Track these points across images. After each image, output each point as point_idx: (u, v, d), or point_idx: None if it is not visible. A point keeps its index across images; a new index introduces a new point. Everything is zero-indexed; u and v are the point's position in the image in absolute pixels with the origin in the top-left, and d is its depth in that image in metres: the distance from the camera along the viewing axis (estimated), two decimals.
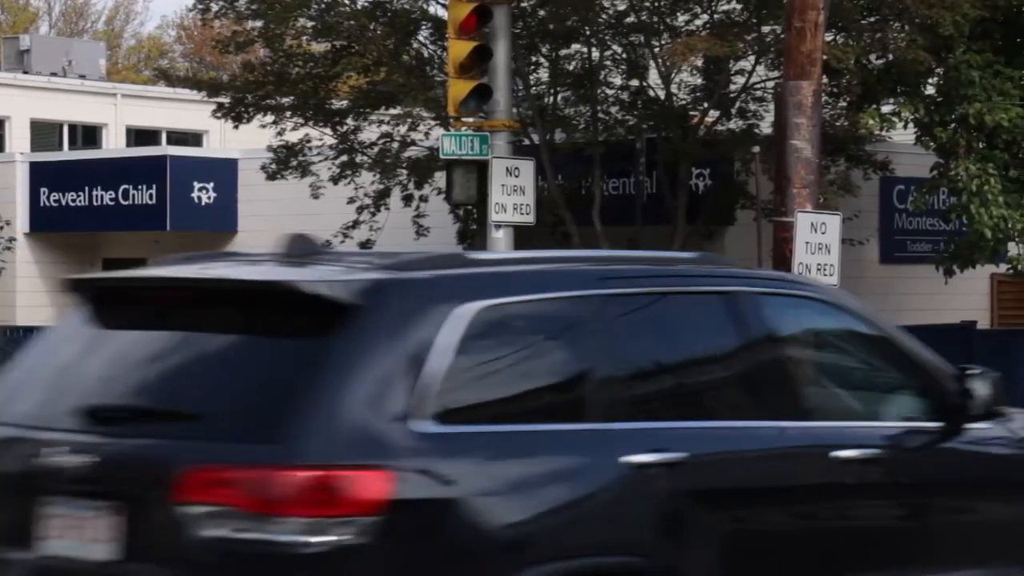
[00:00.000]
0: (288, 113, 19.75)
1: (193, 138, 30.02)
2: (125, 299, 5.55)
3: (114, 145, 29.19)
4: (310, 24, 19.31)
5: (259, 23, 19.32)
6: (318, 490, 4.76)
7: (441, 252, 5.71)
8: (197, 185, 23.59)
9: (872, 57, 17.35)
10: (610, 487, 5.29)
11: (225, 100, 20.10)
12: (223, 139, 28.24)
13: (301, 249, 5.52)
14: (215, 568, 4.83)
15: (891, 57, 17.04)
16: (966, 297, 21.96)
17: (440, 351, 5.05)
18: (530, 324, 5.40)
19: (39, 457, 5.17)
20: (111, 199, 23.69)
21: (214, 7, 19.56)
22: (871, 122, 16.63)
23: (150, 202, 23.41)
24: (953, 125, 16.72)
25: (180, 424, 5.06)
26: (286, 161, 20.04)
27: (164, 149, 25.64)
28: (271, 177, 20.27)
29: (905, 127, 17.38)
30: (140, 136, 30.00)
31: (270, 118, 19.87)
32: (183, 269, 5.60)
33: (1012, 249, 17.13)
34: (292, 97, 19.56)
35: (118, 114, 29.70)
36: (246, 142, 24.22)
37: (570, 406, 5.42)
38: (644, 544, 5.35)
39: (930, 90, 17.51)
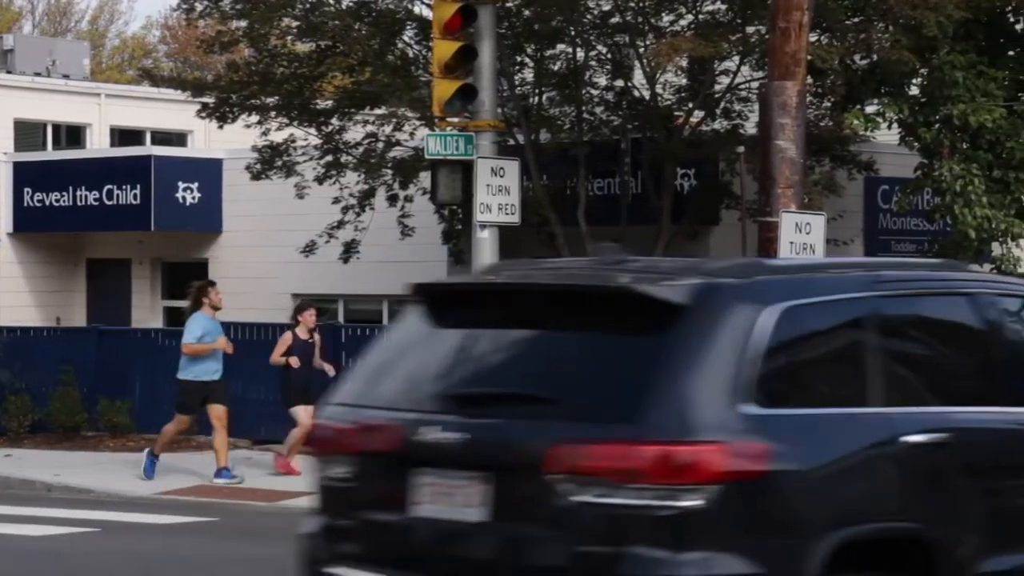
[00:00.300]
0: (273, 113, 19.70)
1: (178, 138, 29.92)
2: (475, 301, 6.57)
3: (98, 145, 29.07)
4: (295, 24, 19.27)
5: (243, 23, 19.28)
6: (669, 462, 5.67)
7: (743, 261, 7.15)
8: (182, 185, 23.53)
9: (856, 57, 17.36)
10: (893, 462, 6.27)
11: (210, 100, 20.05)
12: (208, 139, 28.15)
13: (613, 257, 6.56)
14: (580, 527, 5.74)
15: (875, 58, 17.06)
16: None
17: (756, 344, 6.00)
18: (823, 322, 6.40)
19: (413, 435, 6.11)
20: (95, 199, 23.62)
21: (198, 7, 19.51)
22: (855, 122, 16.64)
23: (134, 202, 23.34)
24: (937, 126, 16.75)
25: (540, 407, 5.95)
26: (271, 161, 20.00)
27: (148, 149, 25.55)
28: (256, 177, 20.22)
29: (889, 127, 17.39)
30: (124, 136, 29.90)
31: (255, 118, 19.82)
32: (525, 275, 6.68)
33: (996, 249, 17.16)
34: (277, 97, 19.52)
35: (102, 114, 29.59)
36: (231, 142, 24.16)
37: (858, 393, 6.34)
38: (919, 511, 6.30)
39: (914, 91, 17.53)
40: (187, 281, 24.73)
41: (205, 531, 13.57)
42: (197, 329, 16.32)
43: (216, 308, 16.48)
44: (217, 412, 16.35)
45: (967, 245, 16.66)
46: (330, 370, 16.49)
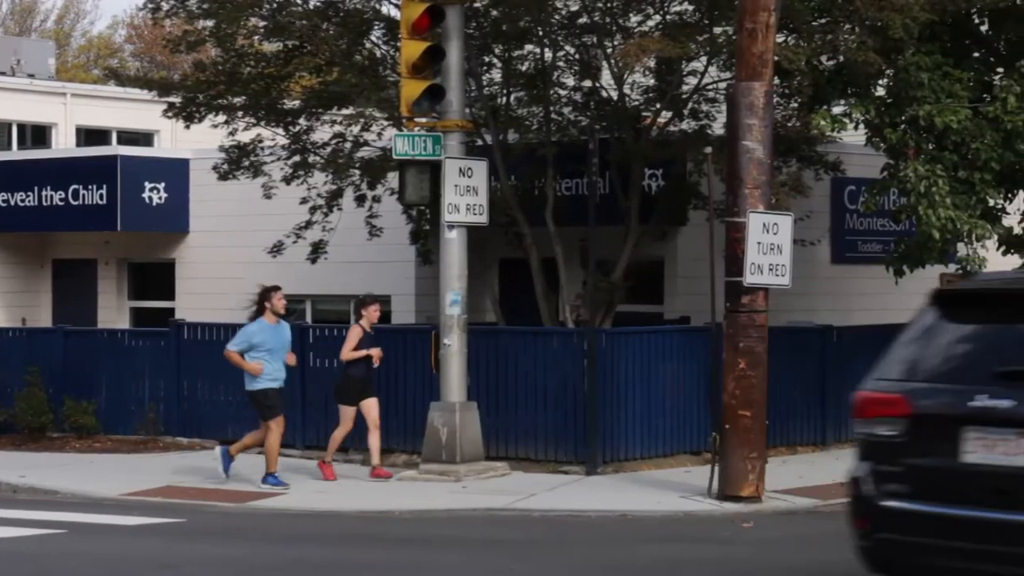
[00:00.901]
0: (240, 113, 19.64)
1: (144, 138, 29.81)
2: (994, 302, 8.42)
3: (64, 145, 28.93)
4: (262, 24, 19.21)
5: (210, 22, 19.20)
6: None
7: None
8: (148, 185, 23.43)
9: (823, 58, 17.42)
10: None
11: (176, 100, 19.97)
12: (174, 139, 28.05)
13: None
14: None
15: (842, 59, 17.12)
16: (916, 297, 21.99)
17: None
18: None
19: (965, 401, 8.02)
20: (61, 199, 23.49)
21: (164, 6, 19.42)
22: (822, 123, 16.70)
23: (100, 202, 23.22)
24: (903, 126, 16.83)
25: None
26: (238, 161, 19.93)
27: (114, 149, 25.42)
28: (223, 177, 20.16)
29: (856, 128, 17.47)
30: (90, 136, 29.75)
31: (222, 118, 19.75)
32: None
33: (961, 249, 17.26)
34: (244, 97, 19.45)
35: (68, 113, 29.45)
36: (198, 142, 24.08)
37: None
38: None
39: (880, 92, 17.61)
40: (153, 281, 24.80)
41: (172, 532, 13.53)
42: (244, 339, 15.93)
43: (277, 314, 16.06)
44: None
45: (932, 246, 16.75)
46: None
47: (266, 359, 15.82)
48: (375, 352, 16.22)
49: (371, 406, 16.28)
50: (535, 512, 14.31)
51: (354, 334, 16.37)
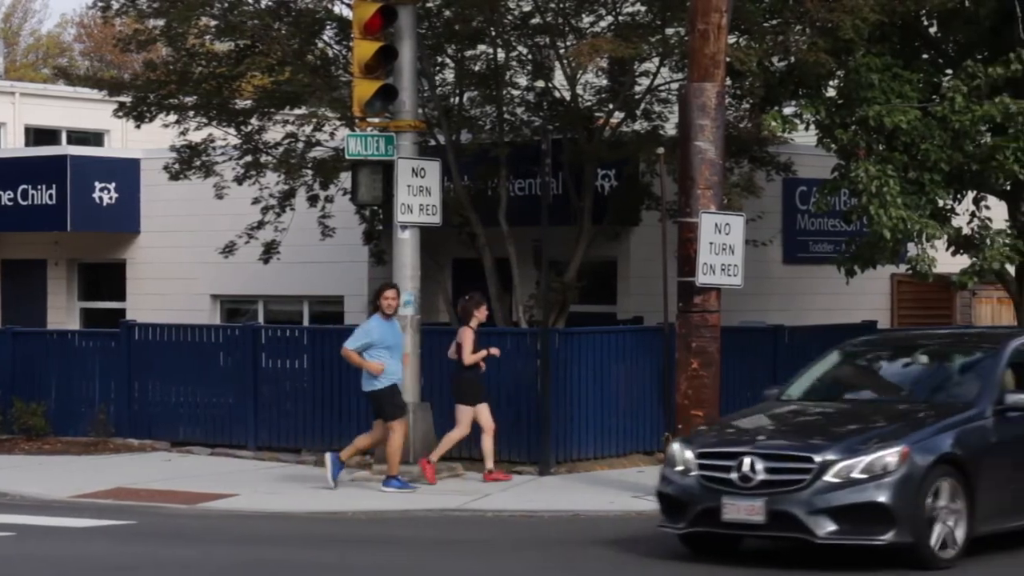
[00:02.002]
0: (191, 112, 19.54)
1: (94, 137, 29.59)
2: None
3: (13, 144, 28.67)
4: (213, 23, 19.11)
5: (161, 21, 19.09)
6: None
7: None
8: (98, 185, 23.28)
9: (774, 59, 17.51)
10: None
11: (127, 99, 19.85)
12: (125, 139, 27.87)
13: None
14: None
15: (793, 60, 17.21)
16: (867, 297, 22.28)
17: None
18: None
19: None
20: (9, 199, 23.29)
21: (115, 5, 19.29)
22: (773, 124, 16.77)
23: (50, 202, 23.05)
24: (853, 127, 16.93)
25: None
26: (189, 161, 19.83)
27: (64, 148, 25.22)
28: (174, 177, 20.05)
29: (807, 129, 17.56)
30: (40, 135, 29.50)
31: (173, 117, 19.65)
32: None
33: (911, 249, 17.37)
34: (195, 96, 19.36)
35: (17, 113, 29.20)
36: (148, 142, 23.93)
37: None
38: None
39: (831, 92, 17.71)
40: (104, 282, 24.62)
41: (124, 534, 13.44)
42: (363, 336, 15.58)
43: (386, 313, 15.62)
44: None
45: (883, 246, 16.86)
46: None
47: (385, 356, 15.40)
48: (494, 351, 16.02)
49: (484, 409, 16.03)
50: (489, 512, 14.31)
51: (469, 336, 16.06)
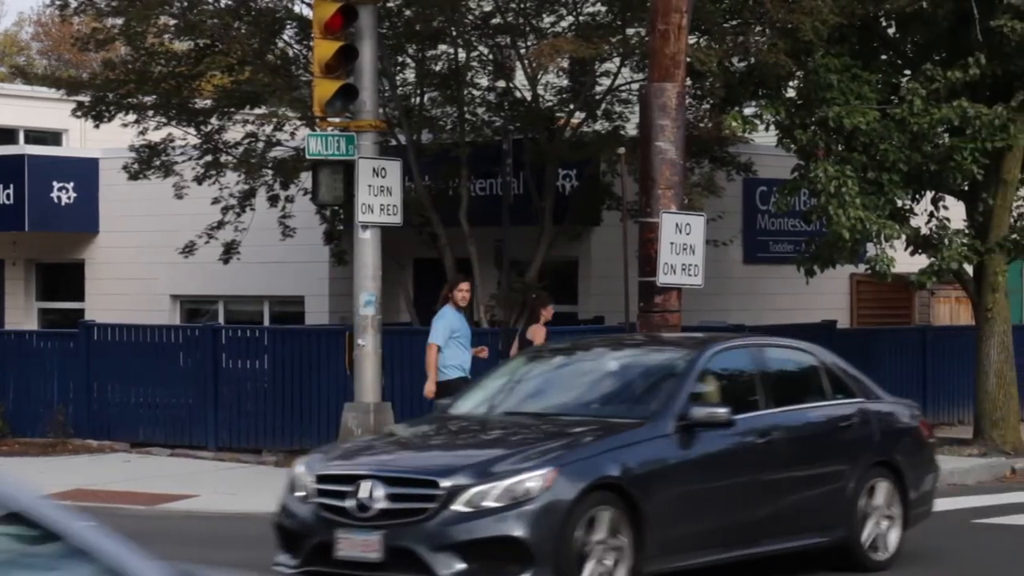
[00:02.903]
0: (150, 112, 19.44)
1: (52, 137, 29.39)
2: None
3: None
4: (172, 22, 19.03)
5: (119, 20, 18.99)
6: None
7: None
8: (56, 185, 23.13)
9: (734, 60, 17.58)
10: None
11: (85, 99, 19.74)
12: (83, 138, 27.68)
13: None
14: None
15: (753, 60, 17.28)
16: (827, 297, 22.39)
17: None
18: None
19: None
20: None
21: (73, 3, 19.18)
22: (734, 124, 16.84)
23: (7, 202, 22.89)
24: (813, 128, 17.01)
25: None
26: (149, 161, 19.73)
27: (22, 148, 25.03)
28: (133, 177, 19.94)
29: (767, 129, 17.64)
30: None
31: (132, 117, 19.55)
32: None
33: (870, 249, 17.48)
34: (154, 96, 19.26)
35: None
36: (107, 141, 23.79)
37: None
38: None
39: (791, 93, 17.79)
40: (62, 282, 24.44)
41: None
42: (444, 327, 15.47)
43: (459, 305, 15.67)
44: None
45: (842, 246, 16.95)
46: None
47: (463, 346, 15.44)
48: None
49: None
50: None
51: (541, 334, 16.09)
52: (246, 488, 15.90)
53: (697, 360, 10.56)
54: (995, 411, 18.21)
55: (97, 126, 19.99)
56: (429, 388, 15.31)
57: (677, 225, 14.49)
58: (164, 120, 19.52)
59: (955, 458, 17.74)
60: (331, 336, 17.65)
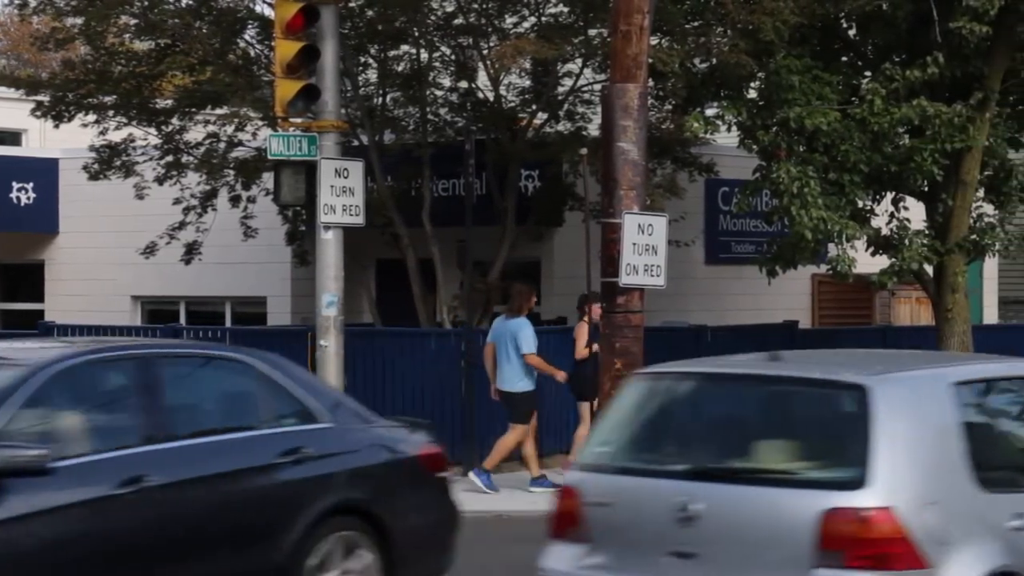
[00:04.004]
0: (111, 112, 19.34)
1: (11, 137, 29.18)
2: None
3: None
4: (133, 21, 18.94)
5: (79, 20, 18.89)
6: None
7: None
8: (16, 185, 22.97)
9: (696, 61, 17.63)
10: None
11: (45, 98, 19.62)
12: (43, 138, 27.51)
13: None
14: None
15: (714, 61, 17.33)
16: (788, 297, 22.49)
17: None
18: None
19: None
20: None
21: (32, 2, 19.07)
22: (695, 125, 16.87)
23: None
24: (774, 128, 17.07)
25: None
26: (109, 161, 19.63)
27: None
28: (93, 177, 19.84)
29: (729, 130, 17.69)
30: None
31: (92, 117, 19.44)
32: None
33: (832, 250, 17.55)
34: (115, 96, 19.16)
35: None
36: (67, 141, 23.64)
37: None
38: None
39: (752, 94, 17.85)
40: (22, 283, 24.29)
41: None
42: (532, 334, 15.70)
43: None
44: (532, 422, 15.94)
45: (804, 246, 17.01)
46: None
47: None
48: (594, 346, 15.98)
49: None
50: None
51: (583, 332, 16.14)
52: None
53: (26, 381, 7.86)
54: None
55: (57, 126, 19.87)
56: (562, 375, 15.82)
57: (639, 226, 14.51)
58: (124, 120, 19.43)
59: None
60: (293, 337, 17.59)
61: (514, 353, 15.73)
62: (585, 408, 16.05)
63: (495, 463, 16.01)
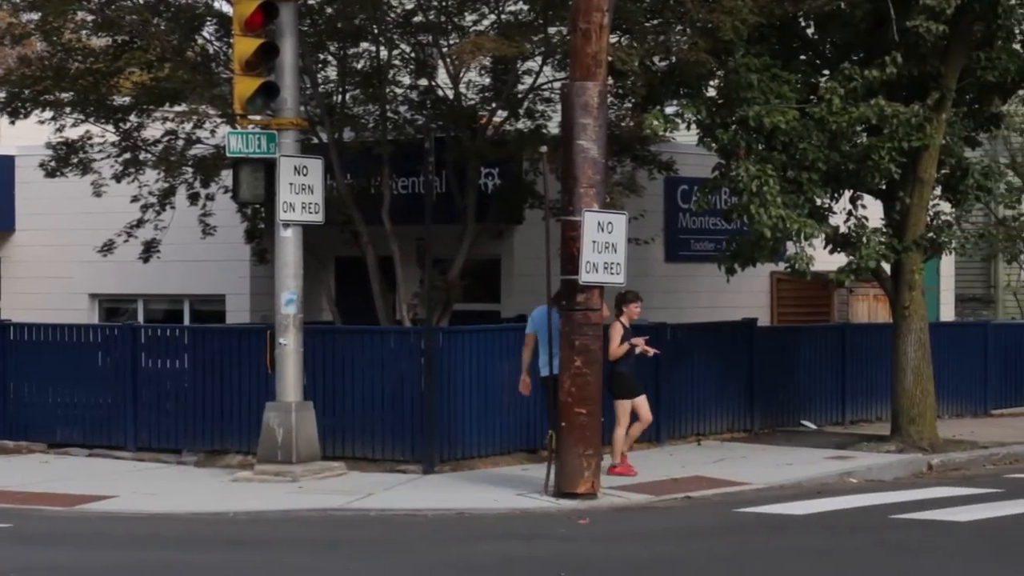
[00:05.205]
0: (68, 109, 19.21)
1: None
2: None
3: None
4: (90, 18, 18.81)
5: (36, 16, 18.75)
6: None
7: None
8: None
9: (656, 59, 17.67)
10: None
11: (0, 95, 19.46)
12: None
13: None
14: None
15: (674, 60, 17.38)
16: (748, 295, 22.58)
17: None
18: None
19: None
20: None
21: None
22: (655, 123, 16.92)
23: None
24: (733, 127, 17.14)
25: None
26: (66, 158, 19.51)
27: None
28: (50, 175, 19.71)
29: (688, 128, 17.75)
30: None
31: (48, 114, 19.31)
32: None
33: (790, 248, 17.63)
34: (72, 93, 19.03)
35: None
36: (23, 138, 23.46)
37: None
38: None
39: (711, 92, 17.92)
40: None
41: None
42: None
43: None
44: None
45: (763, 244, 17.09)
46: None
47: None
48: (638, 341, 16.09)
49: (642, 403, 16.20)
50: (372, 512, 14.26)
51: (616, 331, 16.12)
52: (166, 489, 15.77)
53: None
54: (912, 408, 18.44)
55: (12, 123, 19.71)
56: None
57: (599, 223, 14.55)
58: (82, 117, 19.31)
59: (873, 454, 17.97)
60: (252, 335, 17.53)
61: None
62: (622, 407, 16.12)
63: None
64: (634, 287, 16.41)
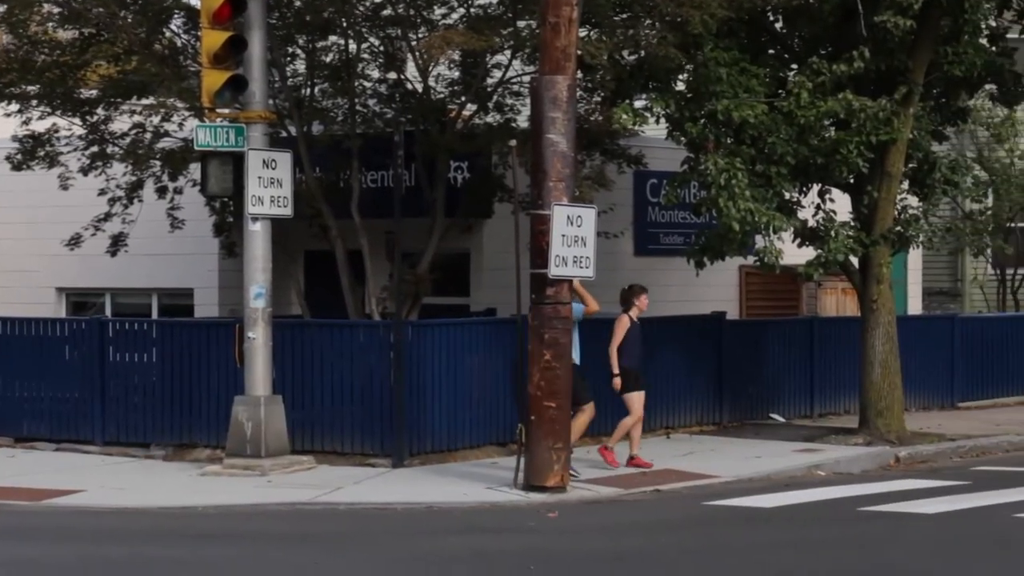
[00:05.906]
0: (34, 102, 19.11)
1: None
2: None
3: None
4: (56, 10, 18.70)
5: (1, 8, 18.63)
6: None
7: None
8: None
9: (625, 53, 17.69)
10: None
11: None
12: None
13: None
14: None
15: (643, 53, 17.40)
16: (717, 288, 22.64)
17: None
18: None
19: None
20: None
21: None
22: (624, 117, 16.94)
23: None
24: (703, 121, 17.18)
25: None
26: (33, 151, 19.40)
27: None
28: (16, 168, 19.60)
29: (657, 122, 17.77)
30: None
31: (14, 107, 19.21)
32: None
33: (759, 241, 17.69)
34: (38, 86, 18.93)
35: None
36: None
37: None
38: None
39: (680, 86, 17.95)
40: None
41: None
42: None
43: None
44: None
45: (732, 237, 17.14)
46: None
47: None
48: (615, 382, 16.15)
49: (640, 396, 16.25)
50: (341, 505, 14.25)
51: (622, 324, 16.17)
52: (134, 483, 15.71)
53: None
54: (880, 400, 18.53)
55: None
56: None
57: (568, 217, 14.56)
58: (48, 110, 19.20)
59: (841, 447, 18.05)
60: (221, 329, 17.47)
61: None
62: (634, 399, 16.19)
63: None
64: (604, 281, 16.43)
